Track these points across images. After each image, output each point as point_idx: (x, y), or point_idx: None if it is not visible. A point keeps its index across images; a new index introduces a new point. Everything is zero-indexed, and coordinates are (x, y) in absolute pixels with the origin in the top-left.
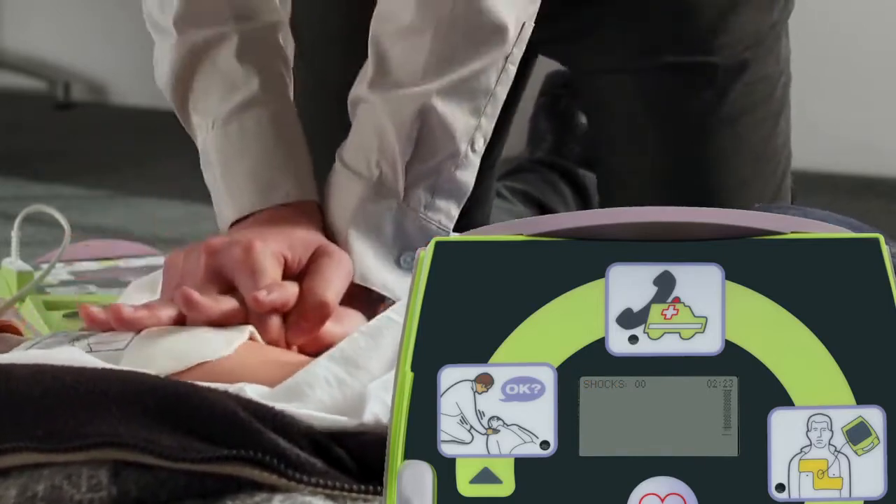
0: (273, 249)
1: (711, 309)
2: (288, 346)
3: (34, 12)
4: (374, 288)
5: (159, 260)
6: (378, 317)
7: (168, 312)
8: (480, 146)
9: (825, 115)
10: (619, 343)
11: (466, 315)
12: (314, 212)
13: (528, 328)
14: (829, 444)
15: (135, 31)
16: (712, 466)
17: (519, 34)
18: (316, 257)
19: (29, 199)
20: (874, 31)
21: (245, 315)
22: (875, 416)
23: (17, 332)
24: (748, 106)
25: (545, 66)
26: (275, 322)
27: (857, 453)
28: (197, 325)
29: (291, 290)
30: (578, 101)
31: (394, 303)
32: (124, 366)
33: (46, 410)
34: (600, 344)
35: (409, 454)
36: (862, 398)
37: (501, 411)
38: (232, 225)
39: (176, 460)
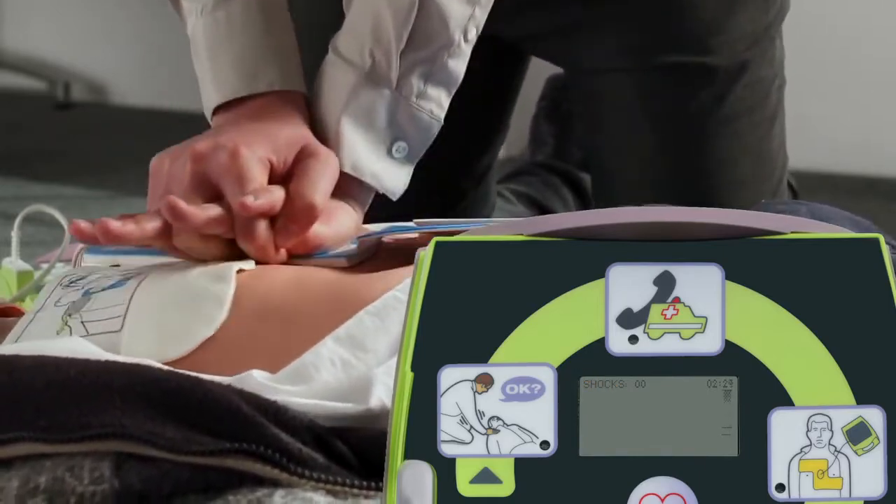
0: (259, 155)
1: (711, 309)
2: (276, 251)
3: (34, 12)
4: (363, 178)
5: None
6: (384, 296)
7: (154, 224)
8: (473, 36)
9: (825, 116)
10: (619, 343)
11: (466, 315)
12: (300, 103)
13: (528, 328)
14: (829, 444)
15: (135, 31)
16: (712, 466)
17: None
18: (302, 157)
19: (29, 199)
20: (872, 34)
21: (231, 222)
22: (875, 416)
23: (19, 313)
24: (746, 108)
25: (545, 70)
26: (262, 227)
27: (857, 453)
28: (183, 234)
29: (278, 195)
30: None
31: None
32: (125, 353)
33: (49, 401)
34: (600, 344)
35: (409, 454)
36: (862, 398)
37: (501, 411)
38: (215, 112)
39: (179, 453)
